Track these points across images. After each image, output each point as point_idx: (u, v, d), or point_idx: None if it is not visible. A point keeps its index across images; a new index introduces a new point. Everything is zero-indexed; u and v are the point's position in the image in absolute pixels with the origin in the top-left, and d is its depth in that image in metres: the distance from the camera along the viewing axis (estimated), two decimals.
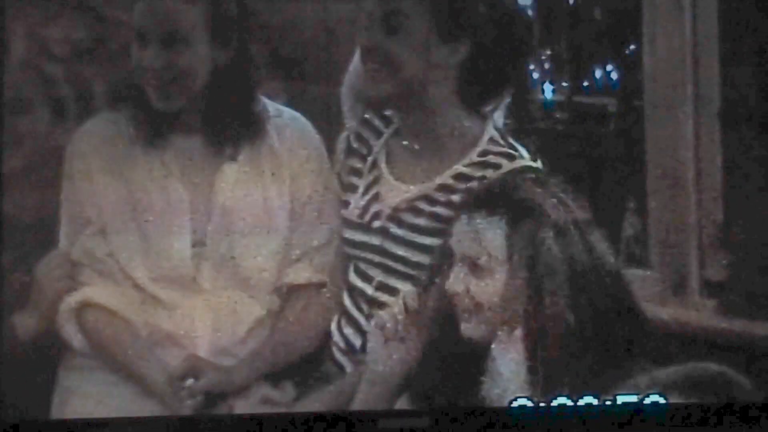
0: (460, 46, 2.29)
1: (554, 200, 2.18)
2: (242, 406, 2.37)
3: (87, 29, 2.41)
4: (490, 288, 2.16)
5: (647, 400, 2.29)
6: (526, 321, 2.18)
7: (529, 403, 2.28)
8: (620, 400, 2.30)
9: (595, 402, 2.30)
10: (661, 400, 2.29)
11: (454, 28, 2.29)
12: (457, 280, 2.17)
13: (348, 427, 2.38)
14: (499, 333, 2.19)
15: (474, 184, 2.29)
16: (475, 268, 2.16)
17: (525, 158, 2.31)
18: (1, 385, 2.35)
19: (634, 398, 2.29)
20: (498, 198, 2.19)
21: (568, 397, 2.27)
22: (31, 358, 2.36)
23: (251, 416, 2.39)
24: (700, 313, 2.50)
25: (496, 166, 2.29)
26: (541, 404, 2.28)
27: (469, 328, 2.19)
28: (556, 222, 2.16)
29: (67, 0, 2.41)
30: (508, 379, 2.23)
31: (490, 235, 2.16)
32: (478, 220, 2.17)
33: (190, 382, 2.31)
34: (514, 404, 2.28)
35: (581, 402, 2.30)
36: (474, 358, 2.24)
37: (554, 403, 2.28)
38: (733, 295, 2.49)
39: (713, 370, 2.24)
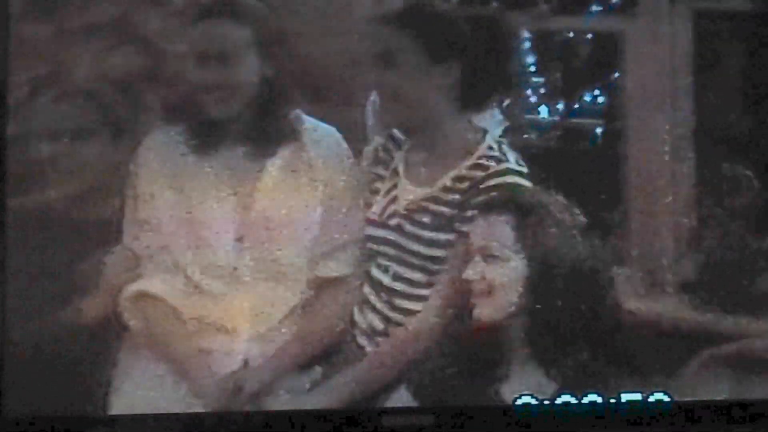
0: (452, 64, 2.45)
1: (560, 204, 2.38)
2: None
3: (143, 57, 2.52)
4: (503, 273, 2.34)
5: (651, 398, 2.39)
6: (529, 307, 2.35)
7: (534, 401, 2.35)
8: (624, 398, 2.38)
9: (599, 400, 2.36)
10: (665, 398, 2.39)
11: (443, 51, 2.45)
12: (474, 269, 2.35)
13: (352, 423, 2.41)
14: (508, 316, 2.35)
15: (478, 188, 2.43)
16: (489, 257, 2.34)
17: (511, 162, 2.46)
18: (3, 381, 2.39)
19: (638, 396, 2.38)
20: (511, 199, 2.39)
21: (573, 395, 2.35)
22: (34, 355, 2.42)
23: (255, 413, 2.42)
24: (674, 307, 2.57)
25: (485, 168, 2.44)
26: (546, 402, 2.35)
27: (481, 312, 2.35)
28: (560, 222, 2.36)
29: (125, 32, 2.51)
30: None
31: (503, 229, 2.35)
32: (493, 217, 2.37)
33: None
34: (519, 402, 2.35)
35: (585, 400, 2.36)
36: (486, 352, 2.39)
37: (559, 400, 2.35)
38: (703, 291, 2.57)
39: None
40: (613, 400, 2.37)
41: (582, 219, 2.40)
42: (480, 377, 2.38)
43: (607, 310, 2.39)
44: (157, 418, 2.42)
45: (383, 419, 2.40)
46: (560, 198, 2.41)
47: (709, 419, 2.41)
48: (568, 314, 2.34)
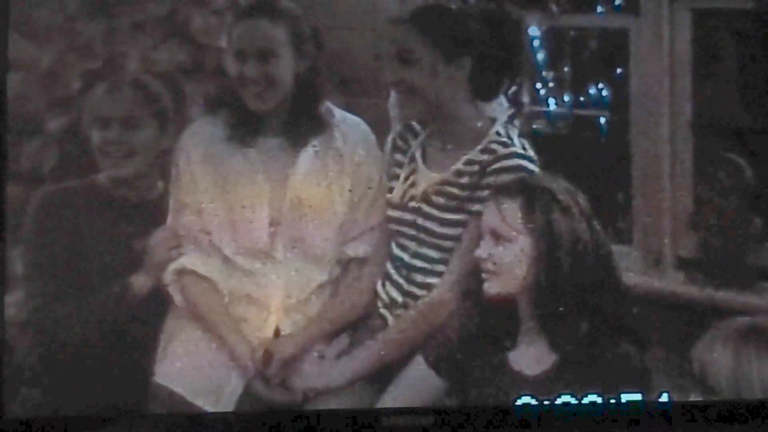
0: (463, 60, 2.55)
1: (564, 189, 2.47)
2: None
3: (187, 53, 2.66)
4: (511, 252, 2.44)
5: (651, 398, 2.39)
6: (533, 283, 2.45)
7: (533, 401, 2.36)
8: (624, 398, 2.37)
9: (599, 400, 2.36)
10: (665, 399, 2.40)
11: (454, 48, 2.54)
12: (483, 249, 2.46)
13: (352, 423, 2.43)
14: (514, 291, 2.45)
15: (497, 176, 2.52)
16: (497, 238, 2.45)
17: (517, 146, 2.56)
18: (4, 382, 2.43)
19: (638, 396, 2.38)
20: (519, 184, 2.49)
21: (573, 395, 2.36)
22: (35, 355, 2.49)
23: (254, 413, 2.47)
24: (672, 283, 2.70)
25: (493, 152, 2.55)
26: (546, 402, 2.35)
27: (490, 287, 2.46)
28: (564, 205, 2.45)
29: (171, 29, 2.65)
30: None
31: (511, 212, 2.45)
32: (502, 201, 2.47)
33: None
34: (518, 402, 2.36)
35: (585, 400, 2.36)
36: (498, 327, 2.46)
37: (558, 401, 2.35)
38: (700, 269, 2.67)
39: None
40: (613, 400, 2.37)
41: (586, 202, 2.50)
42: (489, 346, 2.49)
43: (609, 286, 2.47)
44: (156, 417, 2.49)
45: (383, 419, 2.41)
46: (566, 182, 2.51)
47: (709, 419, 2.40)
48: (572, 290, 2.43)
